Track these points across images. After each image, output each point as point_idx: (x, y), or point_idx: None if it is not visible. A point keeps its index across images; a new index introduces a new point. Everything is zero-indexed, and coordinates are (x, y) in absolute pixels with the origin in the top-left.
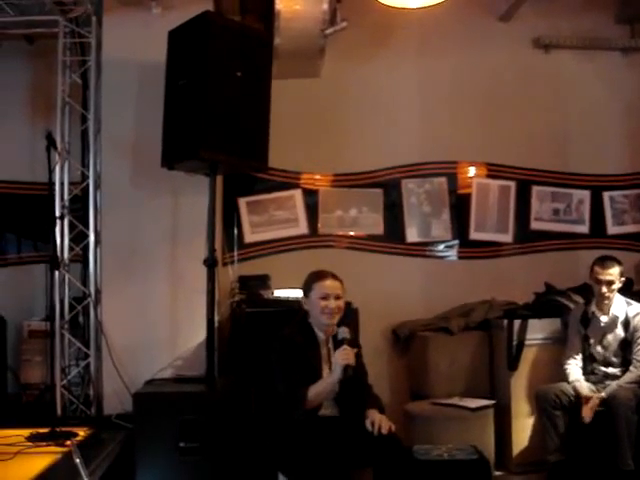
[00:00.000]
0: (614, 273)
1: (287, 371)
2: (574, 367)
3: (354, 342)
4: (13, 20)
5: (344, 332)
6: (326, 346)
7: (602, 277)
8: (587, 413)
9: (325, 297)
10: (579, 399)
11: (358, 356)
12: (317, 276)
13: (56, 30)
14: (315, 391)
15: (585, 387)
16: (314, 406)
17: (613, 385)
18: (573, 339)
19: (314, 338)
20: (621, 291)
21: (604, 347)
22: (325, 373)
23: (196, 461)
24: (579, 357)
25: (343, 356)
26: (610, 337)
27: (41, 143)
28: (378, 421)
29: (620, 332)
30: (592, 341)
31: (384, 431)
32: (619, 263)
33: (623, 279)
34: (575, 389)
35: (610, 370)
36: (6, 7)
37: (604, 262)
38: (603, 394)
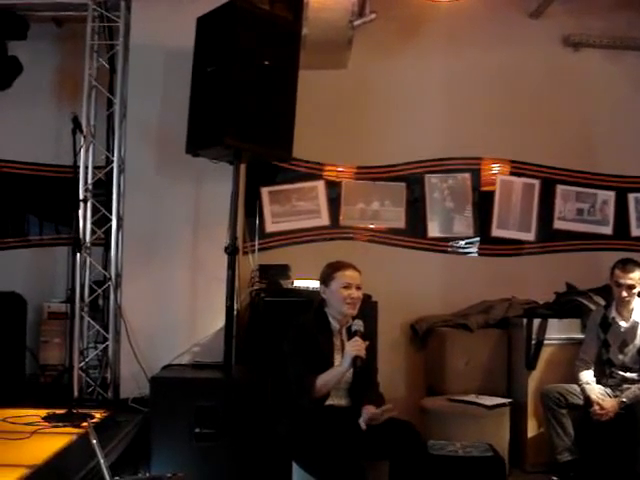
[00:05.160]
0: (635, 277)
1: (298, 358)
2: (586, 370)
3: (367, 335)
4: (42, 2)
5: (358, 324)
6: (340, 336)
7: (623, 281)
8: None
9: (347, 286)
10: (589, 401)
11: (369, 351)
12: (338, 266)
13: (85, 14)
14: (323, 380)
15: (595, 390)
16: (322, 395)
17: (634, 389)
18: (589, 342)
19: (328, 327)
20: None
21: (624, 353)
22: (337, 362)
23: (211, 447)
24: (592, 361)
25: (354, 347)
26: (630, 344)
27: (67, 126)
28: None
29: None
30: (612, 347)
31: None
32: None
33: None
34: (584, 391)
35: (628, 375)
36: None
37: (625, 265)
38: (624, 398)
